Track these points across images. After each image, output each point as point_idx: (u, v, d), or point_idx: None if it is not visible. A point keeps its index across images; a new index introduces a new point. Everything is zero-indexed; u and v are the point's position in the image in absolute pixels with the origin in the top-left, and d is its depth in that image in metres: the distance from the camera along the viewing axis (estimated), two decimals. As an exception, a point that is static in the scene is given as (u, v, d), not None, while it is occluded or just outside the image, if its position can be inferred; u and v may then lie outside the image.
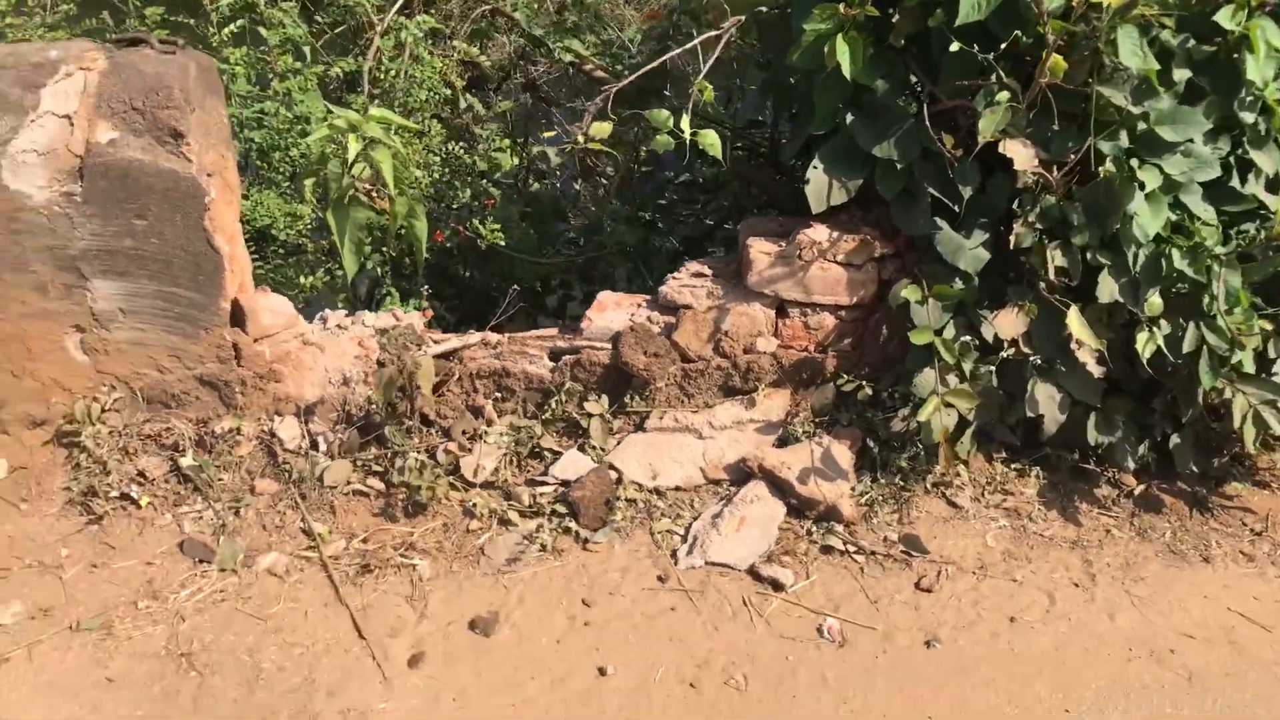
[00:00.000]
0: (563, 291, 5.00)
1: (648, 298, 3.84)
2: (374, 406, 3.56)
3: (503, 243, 4.43)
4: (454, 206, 4.72)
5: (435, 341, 3.70)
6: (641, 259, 4.84)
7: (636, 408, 3.69)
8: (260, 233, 4.30)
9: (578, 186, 5.56)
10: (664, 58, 3.62)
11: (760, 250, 3.65)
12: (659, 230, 5.07)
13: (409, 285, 4.51)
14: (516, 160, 5.20)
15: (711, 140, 3.42)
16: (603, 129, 3.42)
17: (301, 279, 4.29)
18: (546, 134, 5.67)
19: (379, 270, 4.35)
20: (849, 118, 3.58)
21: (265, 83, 4.53)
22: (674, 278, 3.79)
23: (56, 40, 4.00)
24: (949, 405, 3.34)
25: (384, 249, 4.30)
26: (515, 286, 4.02)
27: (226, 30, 4.33)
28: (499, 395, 3.69)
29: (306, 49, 4.59)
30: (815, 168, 3.62)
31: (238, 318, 3.52)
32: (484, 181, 4.82)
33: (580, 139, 3.43)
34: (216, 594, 3.17)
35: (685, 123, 3.35)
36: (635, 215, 4.90)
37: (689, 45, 3.56)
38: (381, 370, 3.51)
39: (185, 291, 3.41)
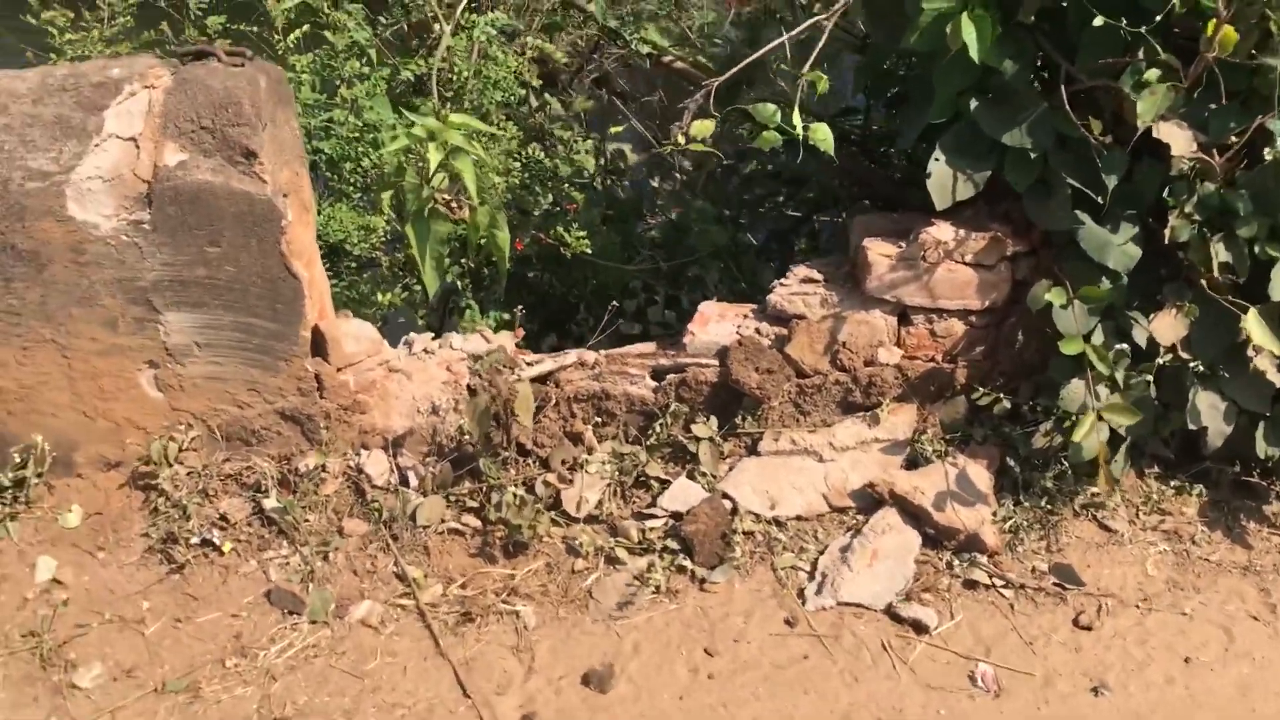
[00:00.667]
0: (645, 295, 4.73)
1: (753, 307, 3.54)
2: (466, 436, 3.30)
3: (589, 250, 4.15)
4: (534, 213, 4.44)
5: (529, 364, 3.43)
6: (731, 259, 4.54)
7: (748, 429, 3.39)
8: (333, 248, 4.06)
9: (655, 184, 5.27)
10: (770, 47, 3.30)
11: (879, 253, 3.33)
12: (743, 227, 4.76)
13: (486, 296, 4.25)
14: (595, 161, 4.92)
15: (823, 135, 3.11)
16: (705, 127, 3.11)
17: (379, 296, 4.05)
18: (615, 128, 5.37)
19: (458, 283, 4.09)
20: (973, 103, 3.25)
21: (332, 89, 4.28)
22: (782, 284, 3.48)
23: (118, 56, 3.78)
24: (1104, 421, 3.00)
25: (463, 260, 4.05)
26: (614, 303, 3.75)
27: (292, 36, 4.08)
28: (599, 420, 3.41)
29: (372, 51, 4.33)
30: (937, 160, 3.29)
31: (319, 346, 3.27)
32: (565, 185, 4.54)
33: (680, 138, 3.13)
34: (309, 649, 2.93)
35: (796, 117, 3.04)
36: (721, 214, 4.59)
37: (795, 33, 3.24)
38: (475, 399, 3.25)
39: (263, 321, 3.17)
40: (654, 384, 3.42)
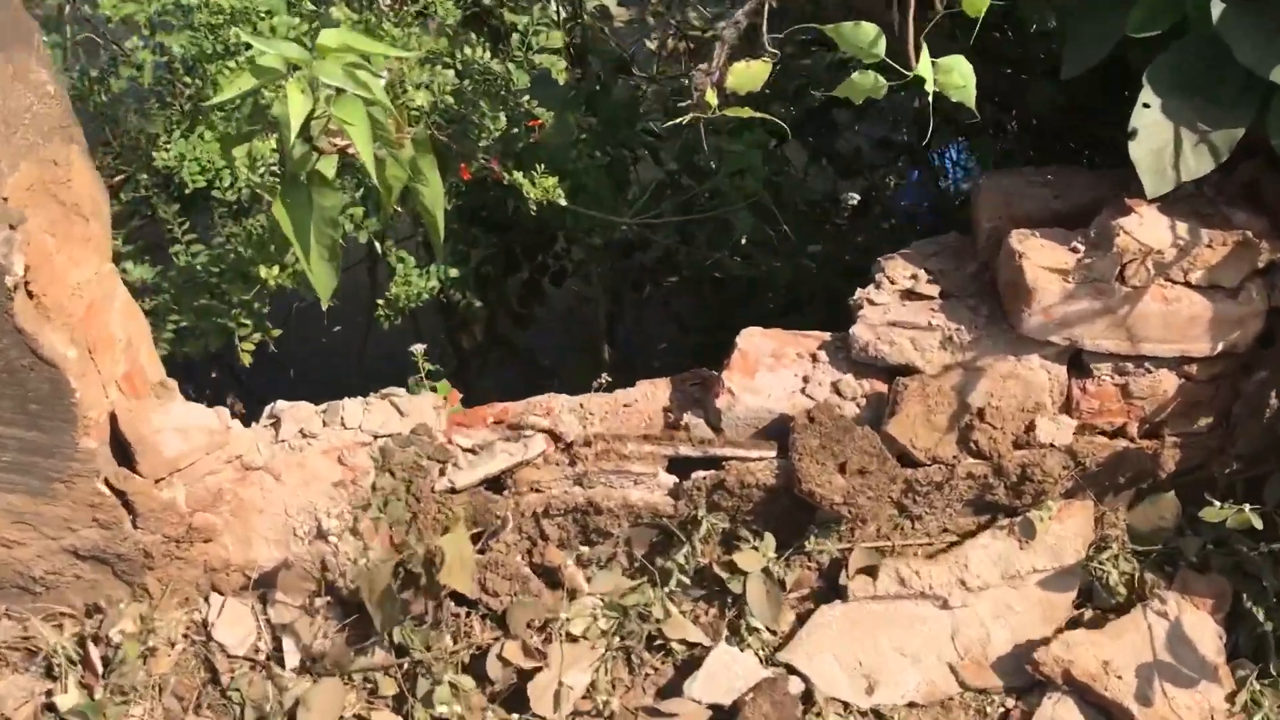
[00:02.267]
0: (652, 254, 3.39)
1: (826, 339, 2.22)
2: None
3: (561, 199, 2.75)
4: (482, 142, 3.04)
5: (470, 449, 2.14)
6: (773, 199, 3.15)
7: (825, 549, 2.13)
8: (194, 198, 2.68)
9: (652, 47, 3.78)
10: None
11: (1045, 266, 1.99)
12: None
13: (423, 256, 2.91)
14: (566, 53, 3.44)
15: (961, 76, 1.75)
16: (755, 73, 1.75)
17: (261, 270, 2.68)
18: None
19: (378, 246, 2.76)
20: (1214, 6, 1.87)
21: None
22: (872, 301, 2.16)
23: None
24: None
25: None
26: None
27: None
28: (585, 544, 2.15)
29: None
30: (1146, 108, 1.93)
31: (124, 449, 1.99)
32: (524, 99, 3.08)
33: (710, 95, 1.77)
34: None
35: (924, 59, 1.68)
36: (764, 139, 3.17)
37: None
38: (368, 568, 1.98)
39: (14, 431, 1.88)
40: (671, 482, 2.14)
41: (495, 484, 2.13)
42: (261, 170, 2.32)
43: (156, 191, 2.63)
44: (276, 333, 2.81)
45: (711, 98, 1.76)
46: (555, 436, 2.19)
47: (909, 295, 2.19)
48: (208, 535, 2.11)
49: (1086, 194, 2.15)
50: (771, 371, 2.16)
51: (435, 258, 2.72)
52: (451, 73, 2.80)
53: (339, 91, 1.95)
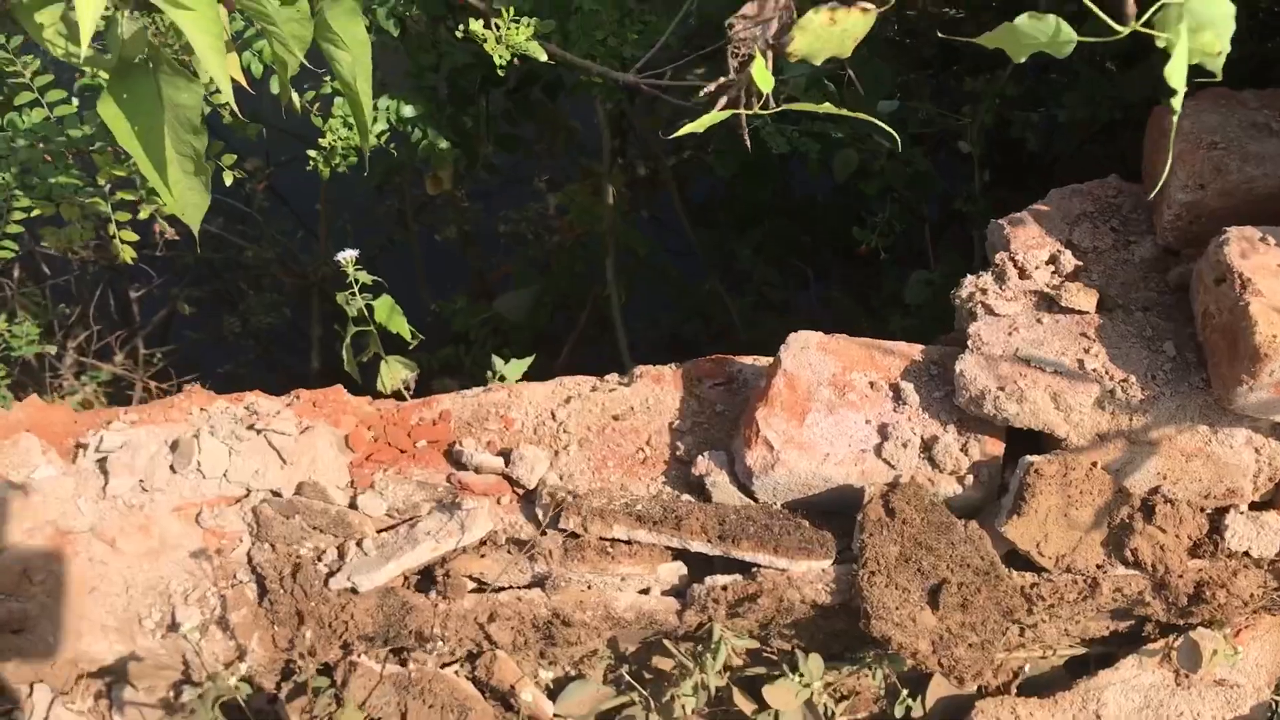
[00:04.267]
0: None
1: (913, 354, 1.49)
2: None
3: (541, 54, 1.92)
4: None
5: (386, 527, 1.47)
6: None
7: (892, 676, 1.48)
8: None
9: None
10: None
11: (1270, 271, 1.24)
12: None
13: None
14: None
15: (1216, 32, 0.97)
16: (840, 30, 0.96)
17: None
18: None
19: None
20: None
21: None
22: (989, 308, 1.44)
23: None
24: None
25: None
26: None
27: None
28: (550, 644, 1.51)
29: None
30: None
31: None
32: None
33: (761, 72, 0.98)
34: None
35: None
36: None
37: None
38: (248, 664, 1.35)
39: None
40: (676, 578, 1.46)
41: (423, 581, 1.46)
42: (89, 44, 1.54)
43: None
44: (169, 205, 2.11)
45: (763, 76, 0.97)
46: (511, 480, 1.52)
47: (1047, 301, 1.45)
48: (16, 626, 1.49)
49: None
50: (831, 414, 1.45)
51: (362, 140, 1.95)
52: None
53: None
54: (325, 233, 3.28)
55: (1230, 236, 1.31)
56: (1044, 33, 1.08)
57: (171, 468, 1.48)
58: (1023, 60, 1.12)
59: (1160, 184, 1.43)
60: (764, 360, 1.67)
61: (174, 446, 1.49)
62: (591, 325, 3.11)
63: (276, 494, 1.47)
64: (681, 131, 1.04)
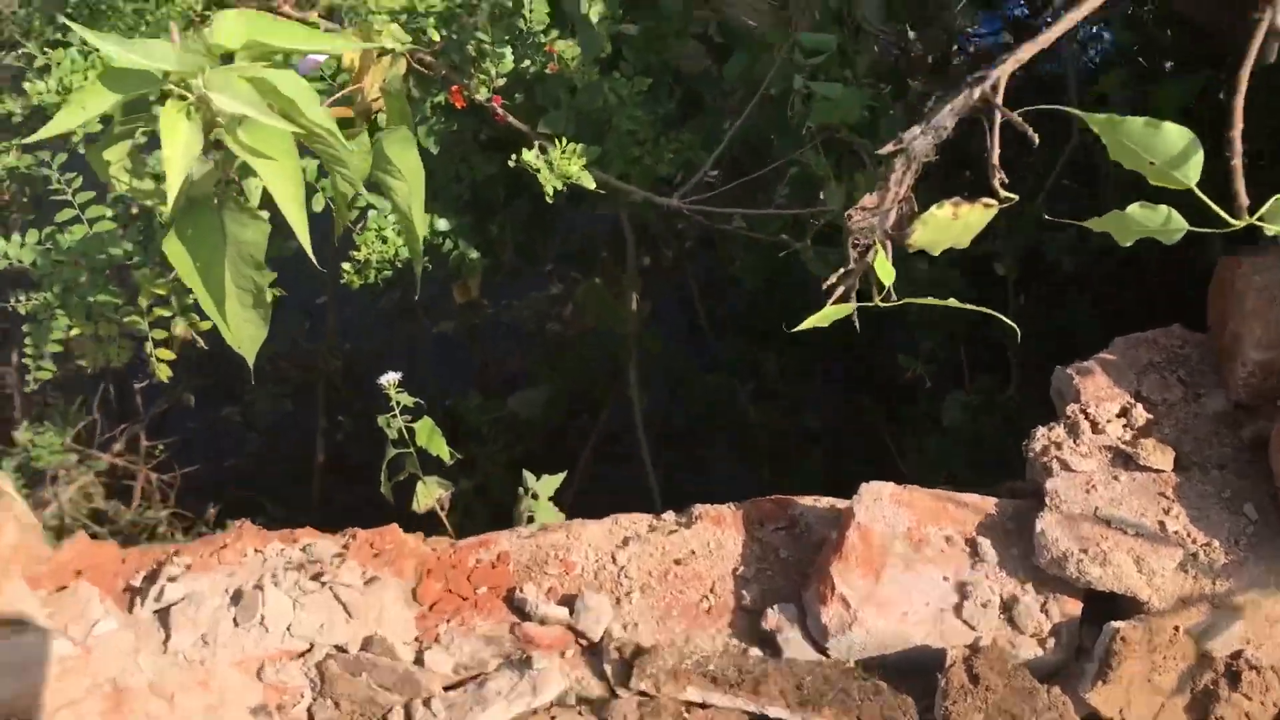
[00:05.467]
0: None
1: (987, 508, 1.48)
2: None
3: (589, 182, 1.92)
4: (481, 91, 2.17)
5: (453, 687, 1.43)
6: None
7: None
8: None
9: None
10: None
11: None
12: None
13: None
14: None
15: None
16: (959, 225, 0.96)
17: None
18: None
19: None
20: None
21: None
22: (1066, 464, 1.44)
23: None
24: None
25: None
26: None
27: None
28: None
29: None
30: None
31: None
32: (551, 31, 2.15)
33: (882, 263, 0.98)
34: None
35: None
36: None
37: None
38: None
39: None
40: (752, 740, 1.44)
41: (489, 736, 1.43)
42: (151, 179, 1.51)
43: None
44: (207, 325, 2.08)
45: (885, 269, 0.97)
46: (577, 633, 1.49)
47: (1123, 458, 1.45)
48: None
49: None
50: (909, 570, 1.43)
51: (415, 262, 1.93)
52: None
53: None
54: (333, 325, 3.25)
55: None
56: (1155, 221, 1.09)
57: (235, 620, 1.44)
58: (1128, 244, 1.13)
59: (1229, 337, 1.45)
60: (824, 501, 1.66)
61: (235, 598, 1.45)
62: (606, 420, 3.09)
63: (341, 649, 1.43)
64: (803, 326, 1.03)
